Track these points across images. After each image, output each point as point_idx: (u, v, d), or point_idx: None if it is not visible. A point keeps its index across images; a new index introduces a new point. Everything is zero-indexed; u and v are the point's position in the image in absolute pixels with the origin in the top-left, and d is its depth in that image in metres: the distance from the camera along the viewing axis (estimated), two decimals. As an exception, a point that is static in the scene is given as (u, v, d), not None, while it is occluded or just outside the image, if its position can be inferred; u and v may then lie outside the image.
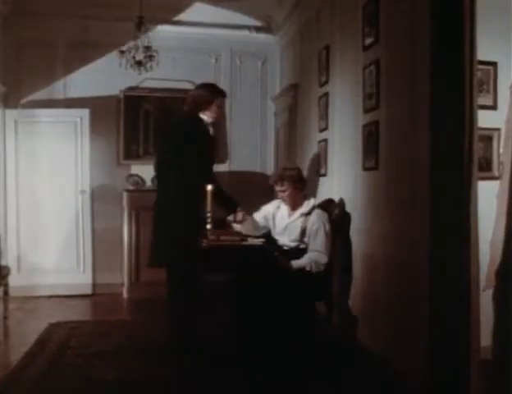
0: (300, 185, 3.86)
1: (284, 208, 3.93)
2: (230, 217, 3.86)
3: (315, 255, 3.65)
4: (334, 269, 3.75)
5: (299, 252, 3.72)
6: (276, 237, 3.88)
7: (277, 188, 3.86)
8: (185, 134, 3.70)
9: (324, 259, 3.65)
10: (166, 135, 3.92)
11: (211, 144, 3.76)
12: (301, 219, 3.78)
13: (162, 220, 3.68)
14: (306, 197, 3.90)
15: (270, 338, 3.45)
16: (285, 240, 3.81)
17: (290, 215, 3.87)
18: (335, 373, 3.37)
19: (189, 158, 3.58)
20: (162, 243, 3.63)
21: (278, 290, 3.43)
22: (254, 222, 3.96)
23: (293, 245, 3.78)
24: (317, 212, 3.79)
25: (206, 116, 3.73)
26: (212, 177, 3.63)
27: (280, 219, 3.92)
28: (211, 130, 3.78)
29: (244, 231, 3.85)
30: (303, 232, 3.75)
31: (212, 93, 3.75)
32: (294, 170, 3.92)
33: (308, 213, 3.78)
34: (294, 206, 3.85)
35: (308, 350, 3.56)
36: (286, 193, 3.82)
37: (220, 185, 3.72)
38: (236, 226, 3.90)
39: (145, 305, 5.38)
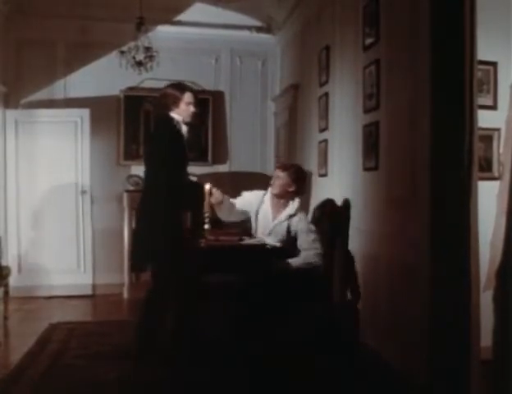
0: (296, 185, 3.85)
1: (267, 206, 3.88)
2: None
3: (310, 256, 3.66)
4: (334, 269, 3.74)
5: (285, 250, 3.71)
6: (260, 237, 3.85)
7: (276, 173, 3.86)
8: (152, 135, 3.80)
9: (318, 252, 3.68)
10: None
11: (177, 144, 3.61)
12: (286, 221, 3.78)
13: (141, 221, 3.68)
14: (293, 198, 3.86)
15: (269, 338, 3.45)
16: (271, 240, 3.77)
17: (275, 217, 3.84)
18: (335, 373, 3.37)
19: (155, 158, 3.58)
20: (143, 244, 3.60)
21: (278, 290, 3.43)
22: (230, 206, 3.86)
23: (278, 245, 3.75)
24: (300, 214, 3.79)
25: (177, 115, 3.69)
26: (181, 177, 3.58)
27: (263, 219, 3.88)
28: (183, 128, 3.71)
29: (219, 216, 3.81)
30: (288, 233, 3.75)
31: (177, 91, 3.71)
32: (299, 170, 3.95)
33: (294, 215, 3.78)
34: (279, 196, 3.82)
35: (308, 349, 3.55)
36: (279, 182, 3.81)
37: (187, 182, 3.70)
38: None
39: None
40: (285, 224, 3.77)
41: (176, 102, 3.64)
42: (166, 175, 3.49)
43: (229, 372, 3.34)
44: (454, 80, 2.73)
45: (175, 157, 3.51)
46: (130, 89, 6.15)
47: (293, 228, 3.75)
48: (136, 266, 3.86)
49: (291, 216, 3.77)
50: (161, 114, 3.75)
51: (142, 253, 3.59)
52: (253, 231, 3.91)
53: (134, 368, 3.39)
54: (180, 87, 3.75)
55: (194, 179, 4.17)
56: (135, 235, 3.78)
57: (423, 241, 2.99)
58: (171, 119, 3.64)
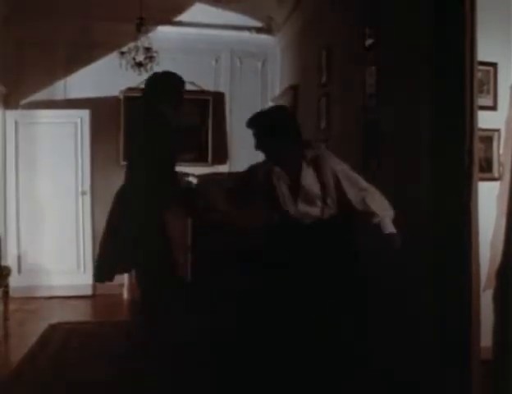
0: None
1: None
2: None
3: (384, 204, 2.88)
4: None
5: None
6: (293, 207, 3.02)
7: None
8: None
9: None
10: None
11: (157, 132, 3.60)
12: (312, 172, 2.95)
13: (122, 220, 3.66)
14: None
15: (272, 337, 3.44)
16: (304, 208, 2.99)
17: (292, 179, 3.04)
18: (335, 374, 3.37)
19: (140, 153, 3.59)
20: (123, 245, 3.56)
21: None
22: None
23: (316, 211, 2.95)
24: (327, 153, 3.03)
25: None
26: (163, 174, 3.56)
27: (281, 184, 3.11)
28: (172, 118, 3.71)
29: None
30: (322, 186, 2.92)
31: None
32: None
33: (315, 159, 2.93)
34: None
35: (310, 349, 3.55)
36: None
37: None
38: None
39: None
40: (314, 177, 2.95)
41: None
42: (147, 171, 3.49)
43: (229, 371, 3.34)
44: (454, 80, 2.74)
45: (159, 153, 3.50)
46: (130, 89, 6.14)
47: (329, 174, 2.91)
48: (118, 269, 3.79)
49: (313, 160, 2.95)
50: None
51: (122, 256, 3.56)
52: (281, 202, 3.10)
53: (134, 368, 3.39)
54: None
55: (193, 180, 4.15)
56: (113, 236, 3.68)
57: (423, 241, 2.99)
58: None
